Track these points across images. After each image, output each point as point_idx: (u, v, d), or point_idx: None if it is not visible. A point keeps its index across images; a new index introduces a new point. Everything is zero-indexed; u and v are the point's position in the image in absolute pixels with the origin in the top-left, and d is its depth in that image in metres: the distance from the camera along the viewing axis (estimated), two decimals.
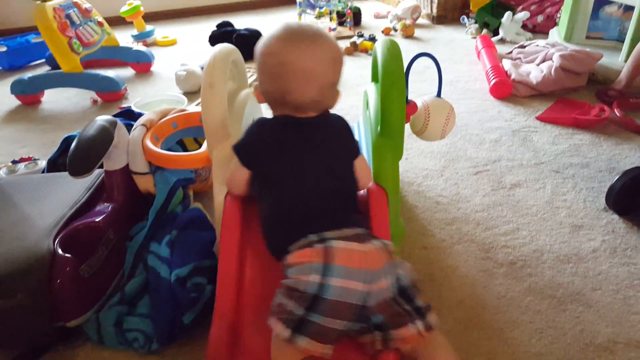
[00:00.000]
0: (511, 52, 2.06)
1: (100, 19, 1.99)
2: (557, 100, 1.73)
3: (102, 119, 1.02)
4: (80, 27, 1.86)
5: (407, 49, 2.40)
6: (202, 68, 1.94)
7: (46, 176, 1.17)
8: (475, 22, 2.52)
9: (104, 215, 0.98)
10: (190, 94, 1.91)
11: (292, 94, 0.75)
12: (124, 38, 2.62)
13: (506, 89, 1.76)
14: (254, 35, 2.26)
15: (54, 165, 1.26)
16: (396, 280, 0.69)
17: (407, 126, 1.08)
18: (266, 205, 0.78)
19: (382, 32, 2.63)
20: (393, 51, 0.98)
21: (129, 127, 1.27)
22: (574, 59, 1.73)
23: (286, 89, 0.74)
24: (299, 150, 0.77)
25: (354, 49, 2.37)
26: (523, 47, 2.03)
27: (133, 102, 1.50)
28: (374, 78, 1.21)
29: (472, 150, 1.47)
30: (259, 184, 0.80)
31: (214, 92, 0.93)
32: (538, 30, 2.43)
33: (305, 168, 0.76)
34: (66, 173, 0.94)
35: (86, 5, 1.93)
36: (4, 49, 2.20)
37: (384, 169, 0.93)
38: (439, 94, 1.15)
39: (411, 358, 0.71)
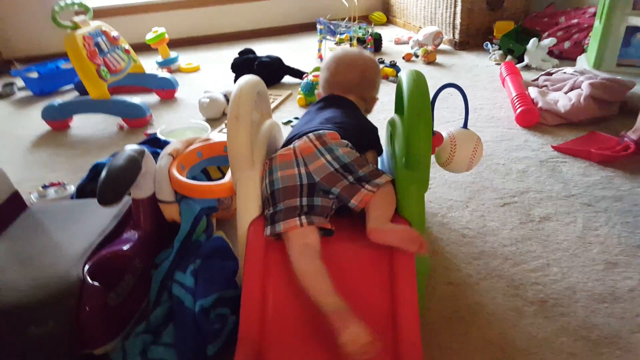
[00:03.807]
0: (537, 80, 2.03)
1: (127, 47, 2.04)
2: (590, 133, 1.65)
3: (131, 148, 1.04)
4: (108, 55, 1.91)
5: (429, 75, 2.40)
6: (224, 95, 1.99)
7: (75, 202, 1.19)
8: (499, 49, 2.51)
9: (131, 244, 0.99)
10: (213, 121, 1.94)
11: (340, 74, 1.09)
12: (149, 64, 2.69)
13: (533, 118, 1.73)
14: (275, 62, 2.30)
15: (82, 191, 1.28)
16: (334, 159, 0.86)
17: (432, 157, 1.06)
18: None
19: (403, 58, 2.64)
20: (419, 82, 0.97)
21: (155, 155, 1.29)
22: (604, 87, 1.69)
23: (337, 70, 1.09)
24: (323, 108, 1.03)
25: None
26: (550, 74, 2.00)
27: (158, 129, 1.52)
28: (398, 110, 1.20)
29: (499, 180, 1.44)
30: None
31: (240, 124, 0.93)
32: (565, 56, 2.40)
33: (315, 116, 1.00)
34: (95, 200, 0.95)
35: (114, 33, 1.98)
36: (35, 75, 2.28)
37: (409, 202, 0.91)
38: (465, 125, 1.13)
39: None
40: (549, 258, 1.12)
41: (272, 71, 2.29)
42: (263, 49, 2.89)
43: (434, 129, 1.06)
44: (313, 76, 2.05)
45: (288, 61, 2.45)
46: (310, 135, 0.90)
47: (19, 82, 2.33)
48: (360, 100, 1.11)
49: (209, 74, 2.67)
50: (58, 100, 1.91)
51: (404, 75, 1.01)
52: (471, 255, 1.14)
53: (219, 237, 1.07)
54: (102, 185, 0.94)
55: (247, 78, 1.01)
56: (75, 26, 1.80)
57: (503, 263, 1.11)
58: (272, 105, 2.06)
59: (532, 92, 1.86)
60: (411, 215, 0.90)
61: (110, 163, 0.98)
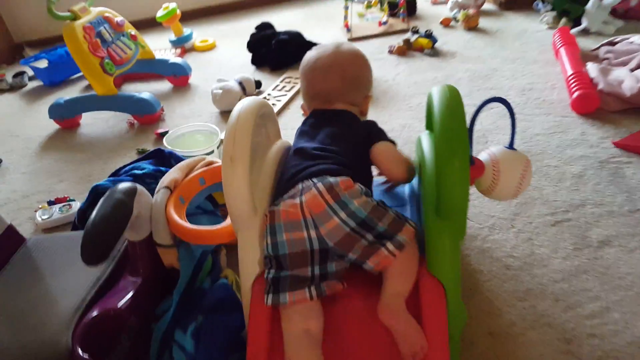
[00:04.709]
0: (597, 50, 1.74)
1: (133, 32, 1.88)
2: None
3: (120, 189, 0.91)
4: (112, 45, 1.76)
5: (470, 45, 2.13)
6: (239, 83, 1.82)
7: (73, 237, 1.10)
8: (552, 9, 2.18)
9: (126, 298, 0.89)
10: (228, 113, 1.78)
11: (316, 84, 0.93)
12: (162, 42, 2.52)
13: (592, 104, 1.48)
14: (294, 39, 2.09)
15: (83, 215, 1.19)
16: (350, 215, 0.71)
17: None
18: None
19: (441, 23, 2.35)
20: (453, 107, 0.78)
21: (159, 174, 1.18)
22: None
23: (313, 81, 0.93)
24: (315, 130, 0.87)
25: (407, 48, 2.13)
26: (612, 43, 1.71)
27: (164, 138, 1.39)
28: (429, 126, 1.01)
29: (550, 189, 1.24)
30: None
31: (236, 166, 0.79)
32: (631, 16, 2.04)
33: (311, 145, 0.84)
34: None
35: (118, 18, 1.82)
36: (44, 64, 2.17)
37: (442, 259, 0.76)
38: (511, 145, 0.93)
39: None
40: (608, 300, 0.95)
41: (292, 49, 2.09)
42: (282, 20, 2.65)
43: (472, 151, 0.88)
44: None
45: (310, 34, 2.23)
46: (320, 186, 0.74)
47: (30, 71, 2.23)
48: (350, 105, 0.93)
49: (225, 52, 2.49)
50: (65, 97, 1.80)
51: (435, 95, 0.83)
52: (516, 295, 0.98)
53: (224, 284, 0.96)
54: (84, 243, 0.83)
55: (245, 104, 0.84)
56: (74, 16, 1.66)
57: (553, 306, 0.95)
58: (291, 93, 1.88)
59: (592, 69, 1.59)
60: (443, 275, 0.75)
61: (94, 214, 0.86)
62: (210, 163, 1.09)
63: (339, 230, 0.71)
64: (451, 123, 0.76)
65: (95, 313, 0.85)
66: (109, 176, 1.24)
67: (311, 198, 0.73)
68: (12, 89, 2.21)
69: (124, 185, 0.93)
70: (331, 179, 0.74)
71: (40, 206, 1.36)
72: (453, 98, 0.80)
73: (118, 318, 0.86)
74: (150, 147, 1.63)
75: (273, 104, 1.80)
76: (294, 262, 0.72)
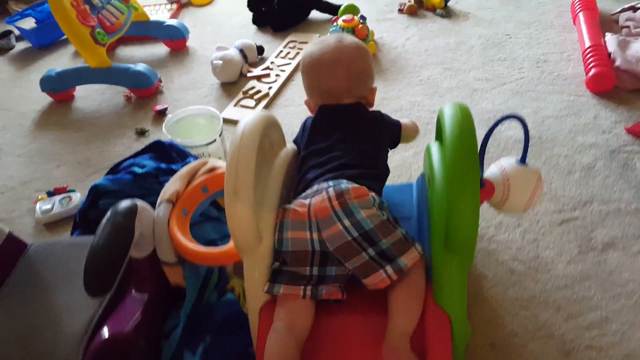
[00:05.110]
0: (617, 14, 1.63)
1: None
2: None
3: (120, 211, 0.88)
4: (103, 10, 1.65)
5: (484, 5, 2.00)
6: (240, 50, 1.73)
7: (75, 244, 1.09)
8: None
9: (133, 321, 0.89)
10: (229, 85, 1.72)
11: (323, 81, 0.90)
12: None
13: (607, 82, 1.42)
14: None
15: (84, 217, 1.17)
16: (354, 224, 0.72)
17: None
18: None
19: None
20: (464, 131, 0.76)
21: (160, 173, 1.16)
22: None
23: (318, 79, 0.91)
24: (329, 129, 0.87)
25: (419, 7, 2.00)
26: (635, 9, 1.60)
27: (164, 124, 1.34)
28: (439, 136, 0.97)
29: (559, 182, 1.22)
30: (300, 164, 0.89)
31: (239, 199, 0.77)
32: None
33: (329, 145, 0.85)
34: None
35: None
36: (32, 23, 2.04)
37: (448, 290, 0.76)
38: (523, 159, 0.91)
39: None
40: (608, 309, 0.97)
41: (296, 9, 1.97)
42: None
43: (483, 170, 0.86)
44: (343, 21, 1.73)
45: None
46: (331, 191, 0.74)
47: (17, 31, 2.11)
48: (357, 98, 0.92)
49: (225, 6, 2.33)
50: (56, 68, 1.71)
51: (446, 117, 0.80)
52: (519, 303, 1.00)
53: (231, 300, 0.97)
54: (86, 275, 0.82)
55: (248, 124, 0.80)
56: None
57: (555, 315, 0.97)
58: (295, 61, 1.79)
59: (610, 42, 1.50)
60: (450, 306, 0.76)
61: (95, 242, 0.85)
62: (213, 169, 1.06)
63: (340, 237, 0.72)
64: (463, 154, 0.74)
65: (104, 336, 0.85)
66: (107, 173, 1.21)
67: (319, 202, 0.74)
68: None
69: (123, 206, 0.90)
70: (343, 185, 0.75)
71: (39, 197, 1.34)
72: (465, 122, 0.76)
73: (127, 342, 0.86)
74: (148, 125, 1.58)
75: (277, 75, 1.73)
76: (295, 260, 0.74)
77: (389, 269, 0.71)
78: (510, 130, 1.37)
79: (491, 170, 0.93)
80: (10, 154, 1.56)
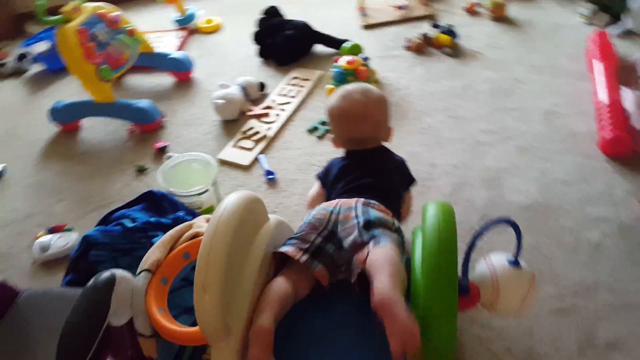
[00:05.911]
0: (635, 60, 1.53)
1: (130, 27, 1.74)
2: None
3: (97, 284, 0.87)
4: (109, 46, 1.64)
5: (495, 42, 1.92)
6: (243, 88, 1.71)
7: (65, 296, 1.08)
8: (591, 1, 1.91)
9: None
10: (230, 122, 1.70)
11: (351, 132, 1.07)
12: (165, 21, 2.35)
13: (623, 147, 1.34)
14: (301, 32, 1.97)
15: (76, 265, 1.17)
16: (363, 213, 0.88)
17: None
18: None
19: (467, 10, 2.11)
20: (443, 246, 0.75)
21: (149, 227, 1.15)
22: None
23: (348, 128, 1.07)
24: (354, 168, 1.03)
25: (426, 44, 1.92)
26: None
27: (159, 169, 1.32)
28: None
29: (561, 261, 1.15)
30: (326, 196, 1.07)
31: (207, 294, 0.77)
32: None
33: (360, 175, 1.00)
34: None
35: (113, 14, 1.67)
36: (45, 47, 2.05)
37: None
38: (515, 262, 0.86)
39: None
40: None
41: (300, 43, 1.95)
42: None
43: (468, 273, 0.82)
44: (347, 62, 1.68)
45: (323, 15, 2.04)
46: (360, 201, 0.92)
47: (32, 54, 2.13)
48: (379, 142, 1.09)
49: (232, 35, 2.30)
50: (63, 100, 1.71)
51: (428, 219, 0.77)
52: None
53: None
54: (59, 352, 0.82)
55: (223, 217, 0.79)
56: (67, 18, 1.53)
57: None
58: (296, 100, 1.76)
59: (628, 98, 1.41)
60: None
61: (68, 317, 0.84)
62: (196, 235, 1.04)
63: (350, 222, 0.88)
64: (439, 276, 0.73)
65: None
66: (98, 223, 1.22)
67: (348, 200, 0.93)
68: (14, 73, 2.13)
69: (102, 279, 0.89)
70: (372, 200, 0.92)
71: (39, 234, 1.36)
72: (447, 229, 0.74)
73: None
74: (149, 162, 1.57)
75: (277, 114, 1.70)
76: (310, 228, 0.90)
77: (365, 235, 0.83)
78: (515, 195, 1.30)
79: (480, 269, 0.89)
80: (17, 185, 1.57)
